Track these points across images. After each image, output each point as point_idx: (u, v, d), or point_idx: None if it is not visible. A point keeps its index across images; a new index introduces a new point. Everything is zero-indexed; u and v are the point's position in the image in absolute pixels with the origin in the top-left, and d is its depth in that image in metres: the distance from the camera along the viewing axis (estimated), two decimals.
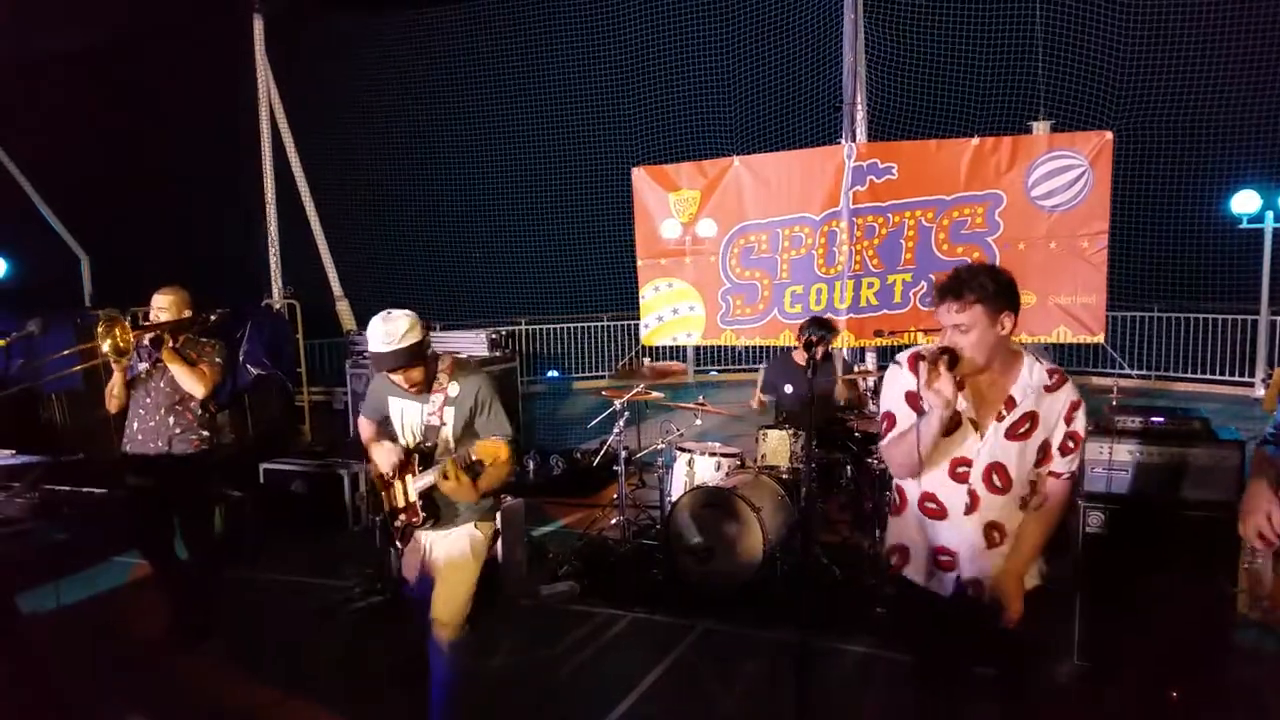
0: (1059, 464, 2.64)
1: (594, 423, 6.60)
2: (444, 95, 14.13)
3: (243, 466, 6.64)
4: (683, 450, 5.67)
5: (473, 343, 8.40)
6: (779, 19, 10.99)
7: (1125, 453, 4.02)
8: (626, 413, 6.00)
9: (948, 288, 2.54)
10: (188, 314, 4.35)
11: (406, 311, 3.12)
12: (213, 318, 4.45)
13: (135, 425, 4.36)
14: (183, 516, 4.49)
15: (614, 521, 5.98)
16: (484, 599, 4.80)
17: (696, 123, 12.23)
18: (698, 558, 5.01)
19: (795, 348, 6.10)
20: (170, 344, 4.20)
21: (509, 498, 5.25)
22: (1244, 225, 10.09)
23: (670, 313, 7.93)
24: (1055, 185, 6.60)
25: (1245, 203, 9.95)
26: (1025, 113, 10.44)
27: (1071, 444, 2.62)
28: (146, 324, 4.29)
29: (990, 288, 2.49)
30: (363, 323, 10.46)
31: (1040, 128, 9.48)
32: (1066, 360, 11.36)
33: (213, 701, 3.97)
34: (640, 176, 7.91)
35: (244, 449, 7.32)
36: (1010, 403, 2.60)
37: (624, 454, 5.96)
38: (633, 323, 12.93)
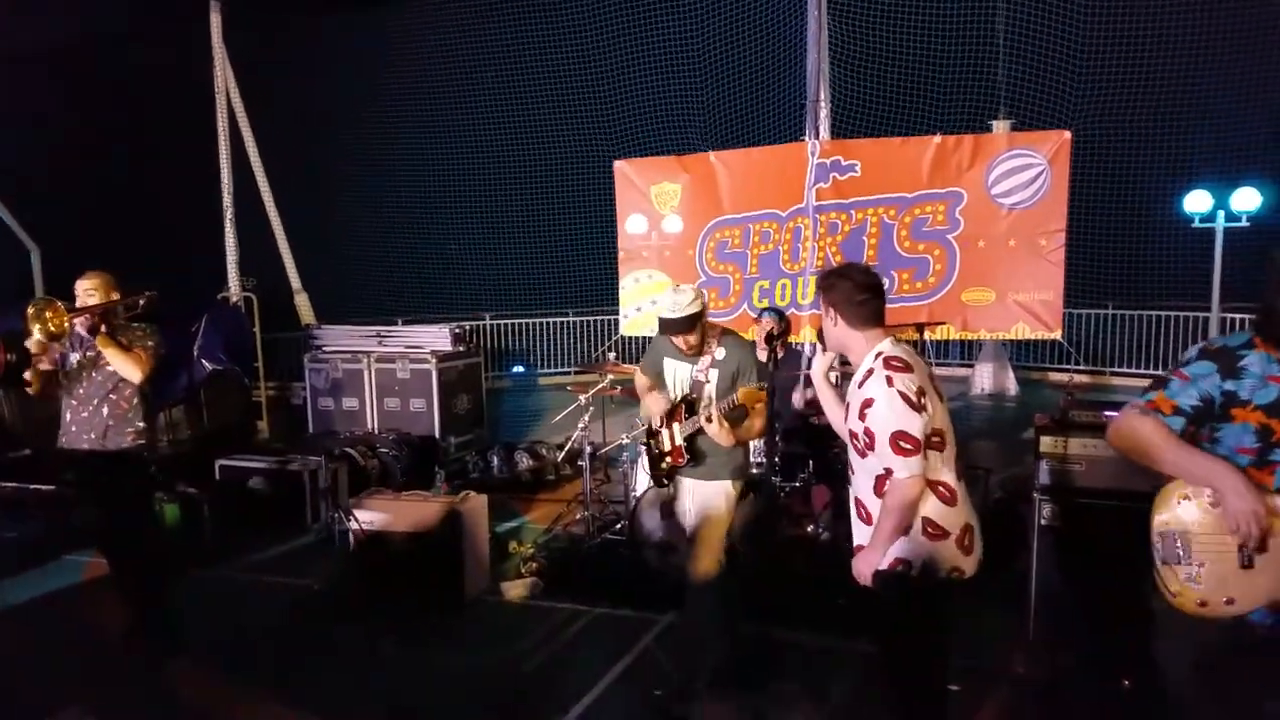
0: (871, 461, 2.77)
1: (559, 418, 6.57)
2: (408, 87, 13.98)
3: (198, 463, 6.51)
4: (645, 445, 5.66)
5: (435, 337, 8.32)
6: (747, 16, 11.02)
7: (1079, 446, 4.09)
8: (591, 408, 5.98)
9: (819, 279, 2.99)
10: (116, 297, 4.24)
11: (693, 286, 3.73)
12: (142, 301, 4.32)
13: (69, 417, 4.23)
14: (120, 513, 4.35)
15: (578, 517, 5.96)
16: (447, 595, 4.82)
17: (665, 118, 12.22)
18: (662, 551, 5.01)
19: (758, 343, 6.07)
20: (104, 329, 4.08)
21: (472, 493, 5.21)
22: (1196, 225, 10.31)
23: (649, 304, 7.98)
24: (1015, 183, 6.72)
25: (1197, 202, 10.16)
26: (986, 112, 10.59)
27: (867, 439, 2.75)
28: (79, 307, 4.15)
29: (830, 285, 2.88)
30: (322, 317, 10.39)
31: (1000, 126, 9.63)
32: (1024, 356, 11.57)
33: (171, 702, 3.89)
34: (622, 169, 7.94)
35: (199, 445, 7.19)
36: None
37: (589, 449, 5.94)
38: (599, 318, 12.96)
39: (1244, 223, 10.01)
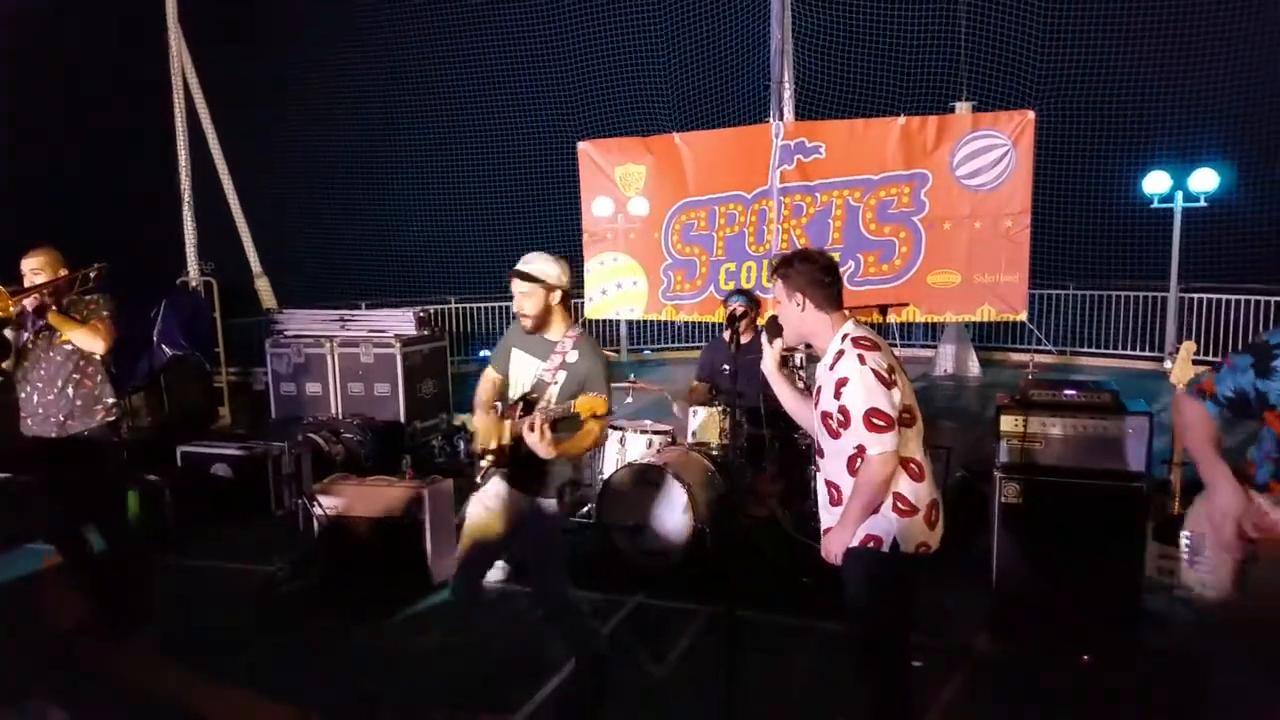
0: (846, 439, 2.79)
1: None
2: (371, 68, 13.76)
3: (159, 450, 6.40)
4: (614, 428, 5.66)
5: (399, 321, 8.22)
6: None
7: (1038, 425, 4.16)
8: None
9: (774, 266, 2.94)
10: (64, 273, 4.12)
11: (560, 258, 3.45)
12: (92, 274, 4.20)
13: (35, 400, 4.13)
14: (93, 498, 4.27)
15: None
16: (414, 579, 4.79)
17: (629, 100, 12.16)
18: (629, 533, 5.02)
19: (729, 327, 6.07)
20: (54, 307, 3.97)
21: (438, 477, 5.18)
22: (1155, 205, 10.48)
23: (614, 287, 7.95)
24: (979, 165, 6.76)
25: (1156, 183, 10.33)
26: (949, 93, 10.65)
27: (842, 417, 2.78)
28: (24, 288, 4.02)
29: (788, 270, 2.87)
30: (284, 301, 10.22)
31: (963, 108, 9.68)
32: (987, 337, 11.72)
33: (133, 691, 3.83)
34: (586, 150, 7.87)
35: (160, 432, 7.07)
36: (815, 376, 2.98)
37: None
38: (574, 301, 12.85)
39: (1202, 203, 10.21)
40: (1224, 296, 10.84)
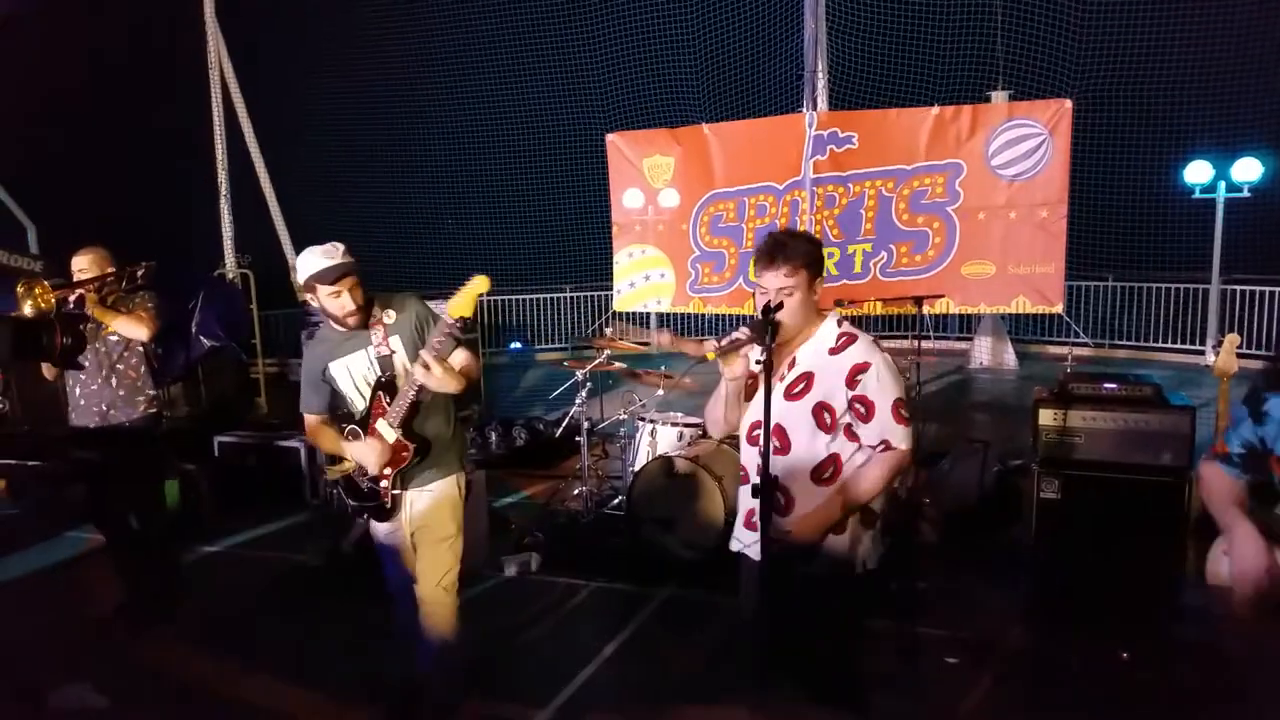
0: (865, 433, 2.57)
1: (556, 393, 6.56)
2: (405, 60, 13.84)
3: (196, 439, 6.51)
4: (645, 420, 5.66)
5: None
6: None
7: (1079, 419, 4.09)
8: (589, 383, 5.96)
9: (777, 252, 2.57)
10: (111, 270, 4.20)
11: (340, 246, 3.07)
12: (139, 272, 4.28)
13: (78, 392, 4.23)
14: (134, 485, 4.37)
15: (576, 492, 5.97)
16: None
17: (660, 90, 12.11)
18: (660, 526, 5.02)
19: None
20: (94, 299, 4.05)
21: (471, 467, 5.20)
22: (1196, 196, 10.24)
23: (642, 279, 7.95)
24: (1015, 154, 6.65)
25: (1198, 173, 10.09)
26: (985, 82, 10.48)
27: (862, 409, 2.54)
28: (68, 282, 4.11)
29: (813, 253, 2.60)
30: None
31: (999, 97, 9.53)
32: (1023, 329, 11.53)
33: (169, 676, 3.90)
34: (614, 142, 7.87)
35: (197, 422, 7.18)
36: (792, 363, 2.64)
37: (587, 424, 5.93)
38: (595, 294, 12.90)
39: (1245, 193, 9.95)
40: (1268, 289, 10.56)
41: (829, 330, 2.65)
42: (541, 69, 13.49)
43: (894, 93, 10.19)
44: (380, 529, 3.27)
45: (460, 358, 3.01)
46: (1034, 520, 4.21)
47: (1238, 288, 10.72)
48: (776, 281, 2.55)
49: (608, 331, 6.40)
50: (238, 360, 8.22)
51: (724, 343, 2.53)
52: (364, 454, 3.08)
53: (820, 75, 7.65)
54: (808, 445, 2.59)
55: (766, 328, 2.45)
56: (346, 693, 3.70)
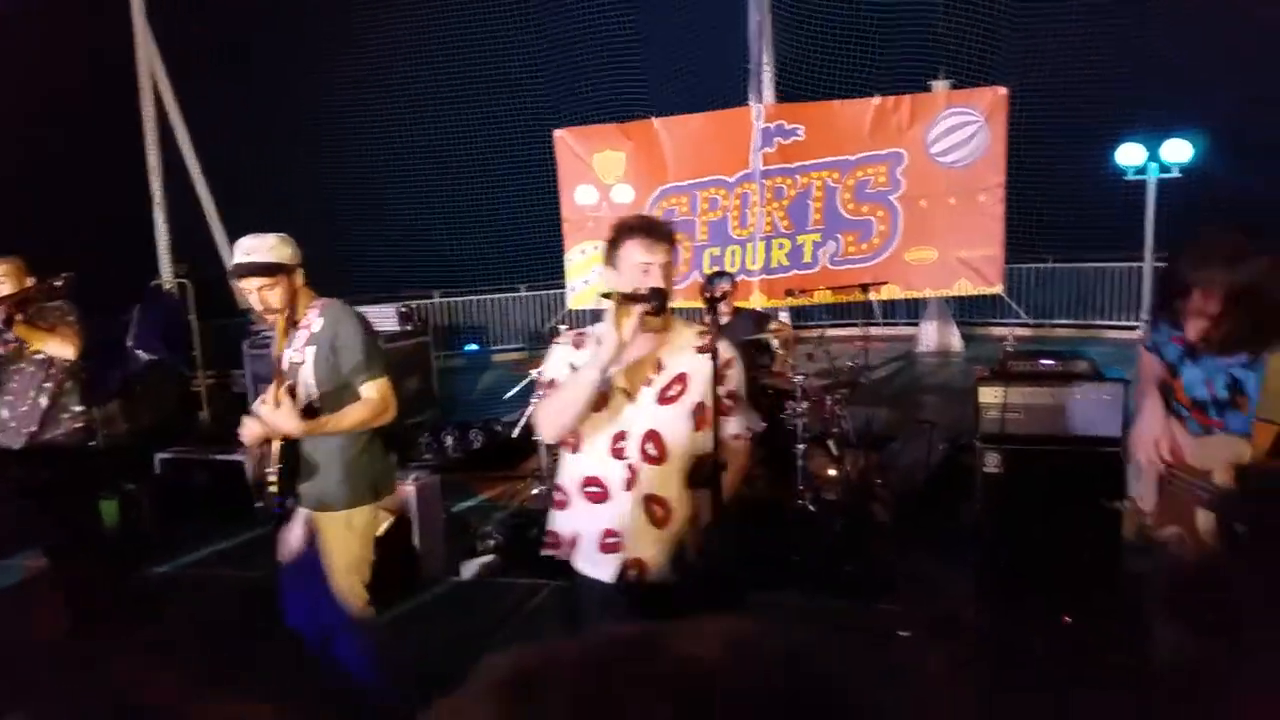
0: (729, 426, 2.50)
1: (510, 394, 6.52)
2: (346, 55, 13.60)
3: (137, 457, 6.34)
4: None
5: (380, 317, 8.18)
6: None
7: (1019, 396, 4.19)
8: None
9: (653, 227, 2.44)
10: (30, 282, 4.07)
11: (282, 235, 2.95)
12: (58, 284, 4.15)
13: (6, 414, 4.10)
14: (68, 505, 4.24)
15: (535, 492, 5.95)
16: (403, 577, 4.78)
17: (608, 86, 12.09)
18: None
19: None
20: (20, 318, 3.93)
21: (418, 475, 5.16)
22: (1130, 177, 10.54)
23: (597, 276, 7.93)
24: (953, 141, 6.81)
25: (1130, 155, 10.38)
26: (929, 71, 10.67)
27: (730, 402, 2.50)
28: None
29: (671, 233, 2.47)
30: None
31: (939, 86, 9.69)
32: (969, 312, 11.77)
33: (115, 701, 3.81)
34: (562, 138, 7.85)
35: (137, 439, 7.00)
36: (658, 365, 2.46)
37: None
38: (550, 292, 12.86)
39: (1175, 173, 10.28)
40: None
41: (688, 330, 2.54)
42: (488, 63, 13.37)
43: (840, 84, 10.32)
44: (284, 544, 3.16)
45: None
46: (979, 495, 4.31)
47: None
48: (658, 258, 2.39)
49: (562, 329, 6.35)
50: (176, 374, 8.03)
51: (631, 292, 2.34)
52: (252, 425, 2.93)
53: (766, 68, 7.72)
54: (684, 450, 2.45)
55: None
56: (308, 711, 3.65)
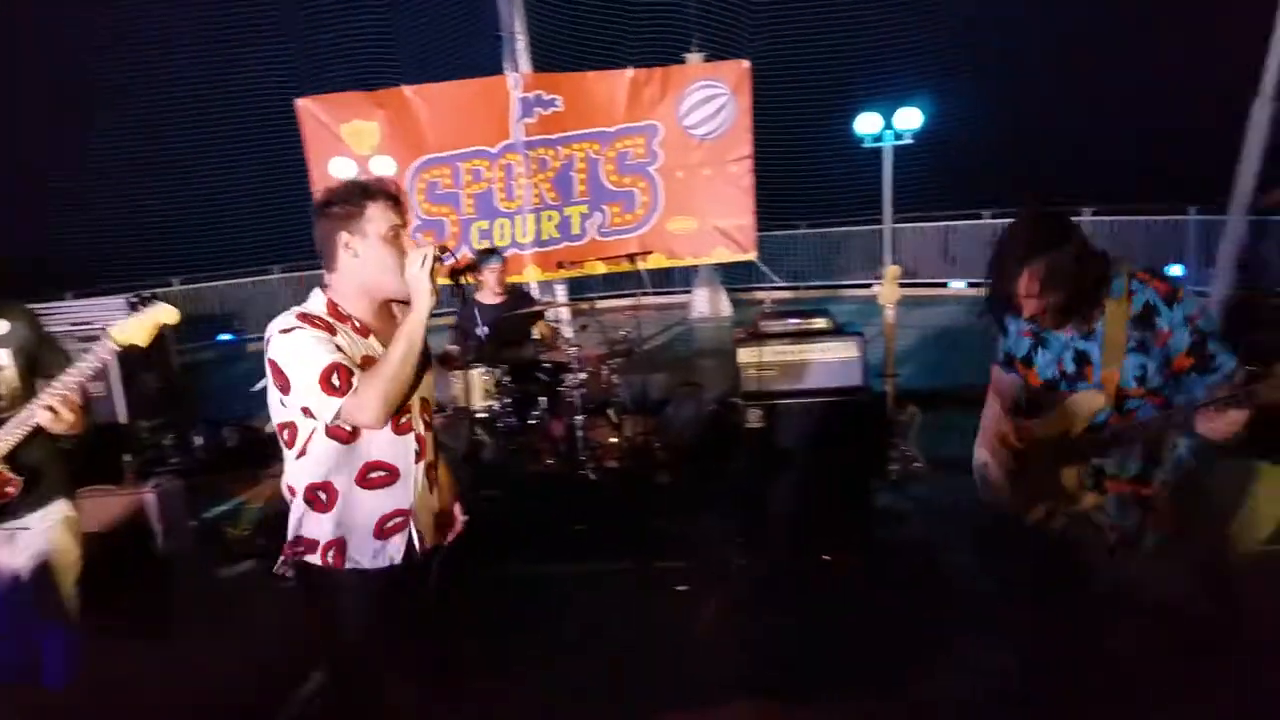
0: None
1: (259, 385, 5.99)
2: (65, 28, 11.91)
3: None
4: None
5: (109, 310, 7.29)
6: None
7: (772, 354, 4.47)
8: None
9: (391, 188, 2.34)
10: None
11: None
12: None
13: None
14: None
15: None
16: (151, 592, 4.32)
17: (357, 54, 11.44)
18: None
19: (478, 286, 5.87)
20: None
21: (165, 480, 4.69)
22: (868, 145, 11.46)
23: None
24: (704, 114, 7.07)
25: (867, 124, 11.26)
26: (683, 44, 11.00)
27: None
28: None
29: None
30: None
31: (693, 59, 10.03)
32: (738, 279, 12.40)
33: None
34: (306, 108, 7.29)
35: None
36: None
37: None
38: (310, 273, 12.05)
39: (909, 140, 11.31)
40: (932, 225, 12.20)
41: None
42: (222, 28, 12.22)
43: (599, 55, 10.39)
44: None
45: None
46: (743, 450, 4.56)
47: (907, 225, 12.26)
48: (404, 219, 2.33)
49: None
50: None
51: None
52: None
53: (520, 36, 7.59)
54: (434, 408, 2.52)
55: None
56: None
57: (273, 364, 2.20)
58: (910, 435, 4.57)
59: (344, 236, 2.26)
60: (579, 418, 5.50)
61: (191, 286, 11.97)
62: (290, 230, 11.56)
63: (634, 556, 4.43)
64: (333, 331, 2.24)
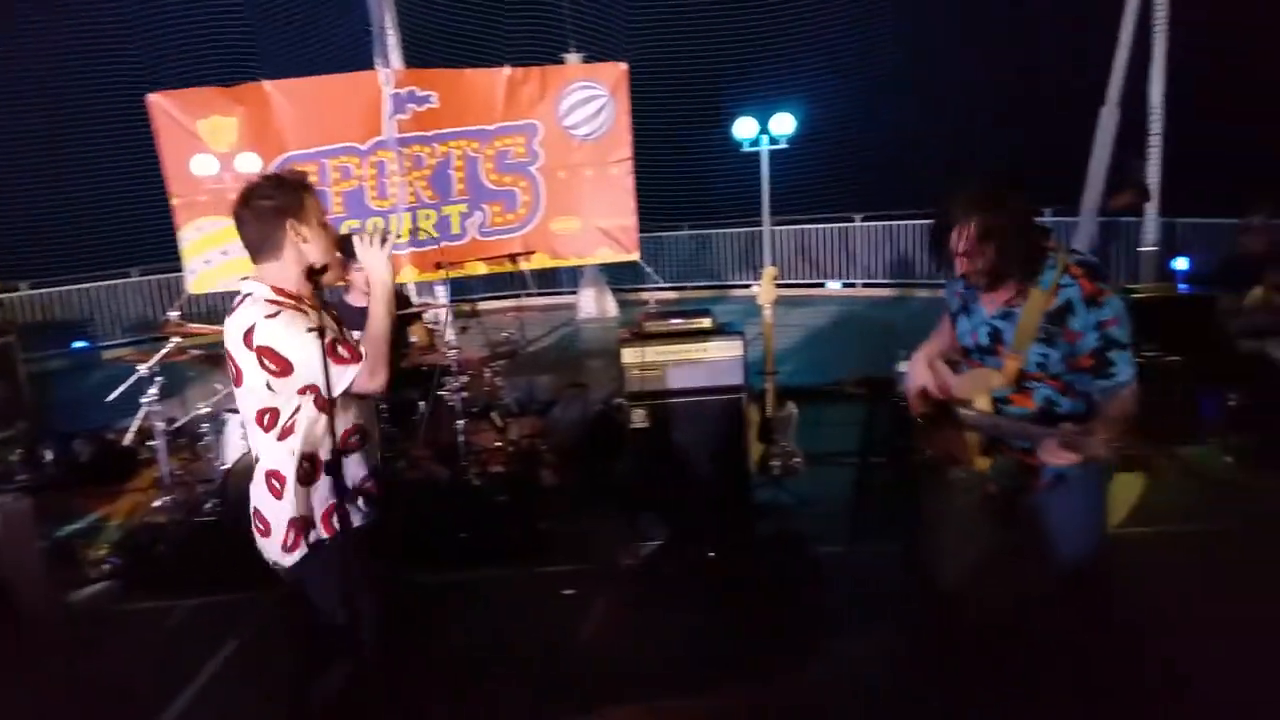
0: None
1: (115, 394, 5.59)
2: None
3: None
4: (232, 411, 5.12)
5: None
6: None
7: (655, 354, 4.50)
8: (160, 378, 5.23)
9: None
10: None
11: None
12: None
13: None
14: None
15: (160, 503, 5.25)
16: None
17: (214, 47, 10.87)
18: None
19: (346, 288, 5.65)
20: None
21: (8, 499, 4.31)
22: (746, 149, 11.72)
23: (219, 255, 7.10)
24: (584, 115, 7.07)
25: (745, 129, 11.52)
26: (561, 44, 10.97)
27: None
28: None
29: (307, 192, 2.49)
30: None
31: (572, 59, 10.01)
32: (624, 279, 12.44)
33: None
34: (158, 104, 6.86)
35: None
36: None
37: (162, 425, 5.22)
38: (169, 275, 11.37)
39: (783, 145, 11.63)
40: (805, 227, 12.60)
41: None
42: (72, 21, 11.38)
43: (477, 53, 10.24)
44: None
45: None
46: (628, 450, 4.58)
47: (787, 228, 12.62)
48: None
49: (172, 316, 5.64)
50: None
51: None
52: None
53: (390, 31, 7.38)
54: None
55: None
56: None
57: (264, 350, 2.23)
58: (789, 431, 4.69)
59: (292, 224, 2.35)
60: (460, 422, 5.39)
61: (41, 291, 11.09)
62: (149, 232, 10.86)
63: (520, 562, 4.38)
64: (304, 310, 2.33)
